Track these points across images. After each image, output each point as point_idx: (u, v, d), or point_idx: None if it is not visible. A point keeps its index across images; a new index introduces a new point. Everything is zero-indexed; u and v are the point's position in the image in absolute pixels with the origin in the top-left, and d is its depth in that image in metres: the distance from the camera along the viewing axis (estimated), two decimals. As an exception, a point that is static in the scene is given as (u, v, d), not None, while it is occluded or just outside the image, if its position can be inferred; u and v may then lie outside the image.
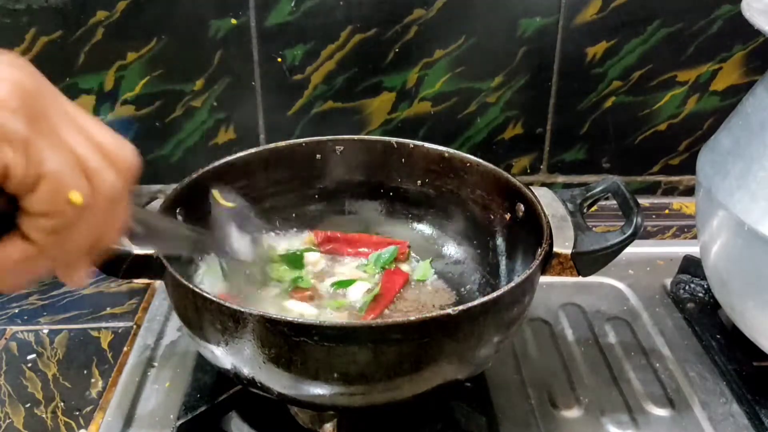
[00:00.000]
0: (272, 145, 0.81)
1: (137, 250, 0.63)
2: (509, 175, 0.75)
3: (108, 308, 0.84)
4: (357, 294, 0.76)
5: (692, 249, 0.87)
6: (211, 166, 0.75)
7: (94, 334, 0.80)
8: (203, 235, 0.65)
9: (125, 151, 0.41)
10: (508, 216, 0.75)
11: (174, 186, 0.71)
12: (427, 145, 0.81)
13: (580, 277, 0.67)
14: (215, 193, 0.69)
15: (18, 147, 0.34)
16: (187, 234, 0.62)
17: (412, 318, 0.55)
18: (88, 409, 0.71)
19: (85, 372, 0.75)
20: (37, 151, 0.35)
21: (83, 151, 0.37)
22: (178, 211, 0.70)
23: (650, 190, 1.03)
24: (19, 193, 0.35)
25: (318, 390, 0.58)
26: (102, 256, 0.43)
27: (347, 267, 0.81)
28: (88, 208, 0.37)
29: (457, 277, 0.80)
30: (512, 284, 0.59)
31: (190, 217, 0.69)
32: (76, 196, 0.36)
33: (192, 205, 0.70)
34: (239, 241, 0.67)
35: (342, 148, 0.82)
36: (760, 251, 0.65)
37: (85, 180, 0.37)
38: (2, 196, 0.36)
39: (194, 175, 0.72)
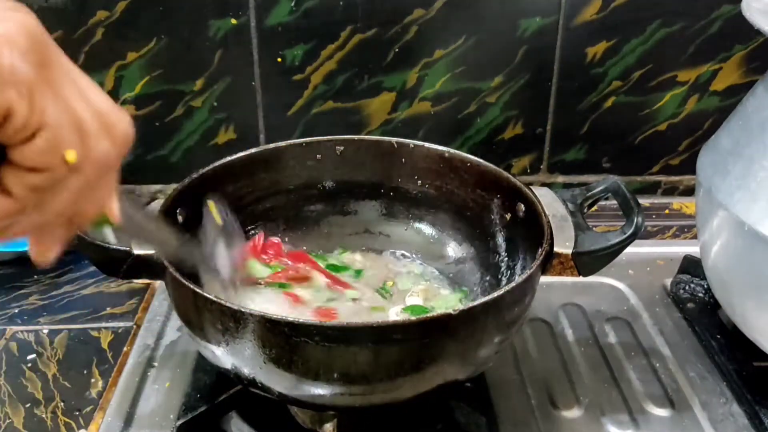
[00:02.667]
0: (272, 145, 0.81)
1: (137, 251, 0.63)
2: (509, 175, 0.75)
3: (108, 308, 0.84)
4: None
5: (692, 249, 0.87)
6: (211, 166, 0.75)
7: (94, 334, 0.80)
8: (189, 246, 0.62)
9: (122, 121, 0.39)
10: (508, 216, 0.75)
11: (174, 186, 0.71)
12: (427, 145, 0.81)
13: (581, 277, 0.67)
14: (211, 204, 0.67)
15: (23, 90, 0.32)
16: (171, 240, 0.59)
17: (413, 318, 0.55)
18: (88, 409, 0.71)
19: (85, 372, 0.75)
20: (41, 99, 0.33)
21: (81, 112, 0.36)
22: (178, 211, 0.70)
23: (650, 190, 1.03)
24: (12, 142, 0.33)
25: (318, 390, 0.58)
26: (73, 237, 0.41)
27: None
28: (78, 170, 0.35)
29: (457, 277, 0.80)
30: (513, 284, 0.59)
31: (191, 219, 0.69)
32: (71, 155, 0.34)
33: (192, 206, 0.70)
34: (223, 259, 0.65)
35: (342, 148, 0.82)
36: (760, 251, 0.65)
37: (80, 141, 0.35)
38: None
39: (194, 176, 0.72)
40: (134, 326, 0.82)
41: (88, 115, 0.36)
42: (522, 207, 0.72)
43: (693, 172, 0.76)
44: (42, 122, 0.33)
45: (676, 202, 1.02)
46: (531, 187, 0.73)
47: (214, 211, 0.67)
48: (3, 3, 0.34)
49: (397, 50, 0.92)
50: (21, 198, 0.34)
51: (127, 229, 0.48)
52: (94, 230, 0.55)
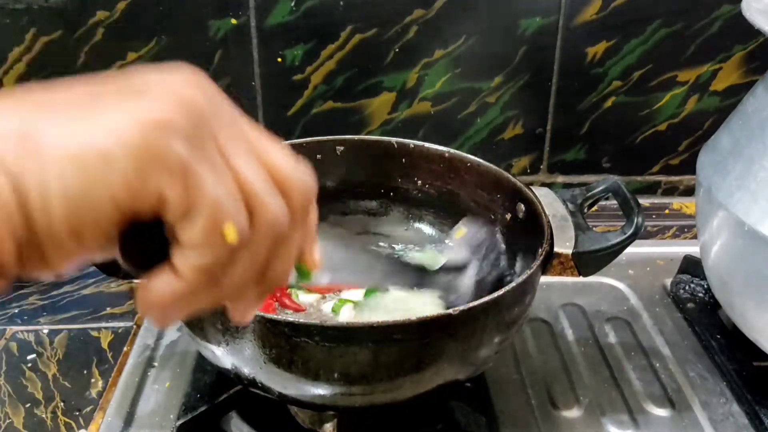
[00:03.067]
0: (272, 145, 0.80)
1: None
2: (509, 175, 0.75)
3: (108, 308, 0.84)
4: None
5: (692, 249, 0.87)
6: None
7: (94, 334, 0.80)
8: None
9: (300, 175, 0.35)
10: (508, 216, 0.75)
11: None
12: (427, 145, 0.81)
13: (581, 277, 0.67)
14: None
15: (176, 173, 0.30)
16: None
17: (413, 318, 0.55)
18: (88, 409, 0.71)
19: (85, 372, 0.75)
20: (196, 178, 0.30)
21: (251, 175, 0.32)
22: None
23: (650, 190, 1.03)
24: (173, 222, 0.31)
25: (319, 390, 0.58)
26: (275, 291, 0.39)
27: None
28: (246, 244, 0.32)
29: (457, 277, 0.80)
30: (513, 284, 0.59)
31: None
32: (231, 232, 0.31)
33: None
34: None
35: (342, 148, 0.82)
36: (760, 251, 0.65)
37: (245, 211, 0.32)
38: (154, 228, 0.32)
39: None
40: (134, 326, 0.82)
41: (257, 176, 0.33)
42: (522, 207, 0.72)
43: (693, 172, 0.76)
44: (197, 203, 0.30)
45: (676, 202, 1.02)
46: (531, 187, 0.73)
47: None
48: (178, 80, 0.32)
49: (397, 50, 0.92)
50: (189, 278, 0.32)
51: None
52: (300, 282, 0.52)
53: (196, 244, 0.31)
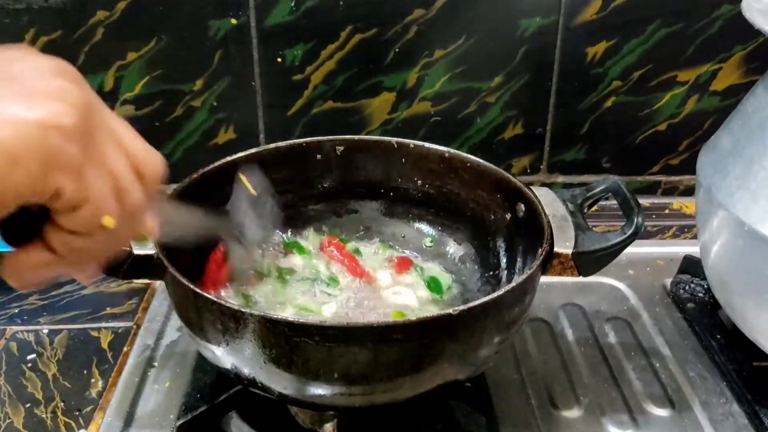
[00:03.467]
0: (272, 145, 0.81)
1: (138, 251, 0.63)
2: (510, 175, 0.75)
3: (108, 308, 0.84)
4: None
5: (692, 249, 0.87)
6: (211, 166, 0.75)
7: (94, 334, 0.80)
8: (218, 220, 0.66)
9: (154, 162, 0.41)
10: (508, 216, 0.75)
11: (174, 186, 0.71)
12: (427, 145, 0.81)
13: (581, 277, 0.67)
14: (243, 178, 0.70)
15: (72, 172, 0.34)
16: (204, 221, 0.63)
17: (413, 318, 0.55)
18: (88, 409, 0.71)
19: (85, 372, 0.75)
20: (86, 177, 0.35)
21: (120, 169, 0.38)
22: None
23: (650, 190, 1.03)
24: (58, 211, 0.36)
25: (319, 390, 0.58)
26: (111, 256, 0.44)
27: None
28: (114, 228, 0.38)
29: (457, 276, 0.80)
30: (513, 284, 0.59)
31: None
32: (109, 220, 0.37)
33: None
34: (253, 230, 0.69)
35: (342, 148, 0.82)
36: (760, 251, 0.65)
37: (117, 202, 0.38)
38: (29, 209, 0.36)
39: (194, 176, 0.72)
40: (134, 326, 0.82)
41: (125, 172, 0.38)
42: (522, 207, 0.72)
43: (693, 172, 0.76)
44: (86, 197, 0.35)
45: (676, 202, 1.02)
46: (531, 187, 0.73)
47: (247, 183, 0.70)
48: (46, 66, 0.36)
49: (397, 50, 0.92)
50: (63, 254, 0.37)
51: (164, 233, 0.51)
52: (137, 244, 0.60)
53: (78, 230, 0.36)
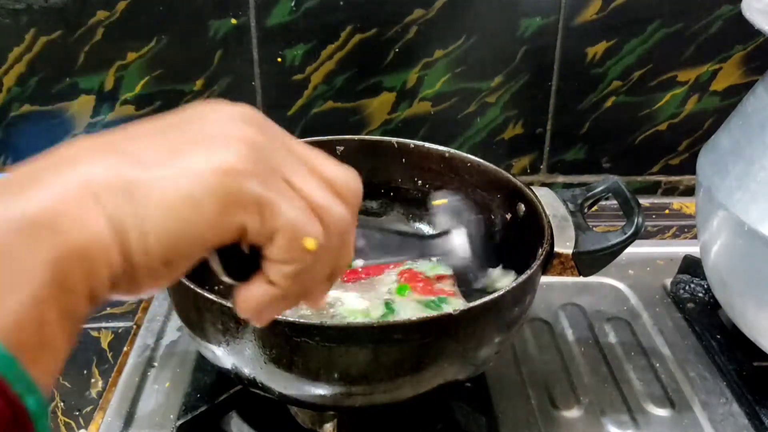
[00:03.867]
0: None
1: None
2: (510, 175, 0.75)
3: (108, 308, 0.84)
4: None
5: (692, 249, 0.87)
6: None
7: (94, 334, 0.80)
8: None
9: (350, 179, 0.42)
10: (508, 216, 0.75)
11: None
12: (427, 145, 0.81)
13: (581, 277, 0.67)
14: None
15: (253, 209, 0.35)
16: None
17: (413, 318, 0.55)
18: (88, 409, 0.71)
19: (85, 372, 0.75)
20: (270, 208, 0.35)
21: (313, 192, 0.38)
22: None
23: (650, 190, 1.03)
24: (260, 244, 0.36)
25: (319, 390, 0.58)
26: (341, 276, 0.44)
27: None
28: (323, 247, 0.38)
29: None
30: (513, 284, 0.59)
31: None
32: (311, 242, 0.37)
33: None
34: None
35: (342, 148, 0.82)
36: (760, 251, 0.65)
37: (317, 222, 0.38)
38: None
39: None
40: (134, 326, 0.82)
41: (319, 191, 0.38)
42: (522, 207, 0.72)
43: (693, 172, 0.76)
44: (275, 227, 0.36)
45: (676, 202, 1.02)
46: (531, 187, 0.73)
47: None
48: (230, 115, 0.37)
49: (397, 50, 0.92)
50: (282, 285, 0.38)
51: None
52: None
53: (283, 259, 0.37)
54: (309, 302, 0.43)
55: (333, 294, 0.73)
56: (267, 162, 0.36)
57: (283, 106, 0.95)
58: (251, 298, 0.39)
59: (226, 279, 0.39)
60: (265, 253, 0.37)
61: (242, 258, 0.38)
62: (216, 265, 0.38)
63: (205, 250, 0.35)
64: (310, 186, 0.38)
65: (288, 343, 0.55)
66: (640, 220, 0.66)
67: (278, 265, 0.37)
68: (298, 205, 0.37)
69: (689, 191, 1.02)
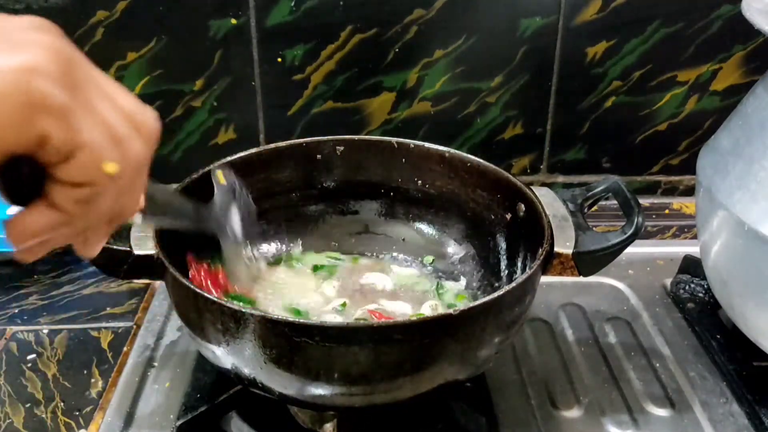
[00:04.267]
0: (272, 145, 0.81)
1: (138, 251, 0.63)
2: (510, 175, 0.75)
3: (108, 308, 0.84)
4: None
5: (692, 249, 0.87)
6: (211, 166, 0.74)
7: (94, 334, 0.80)
8: (207, 213, 0.66)
9: (149, 118, 0.40)
10: (508, 216, 0.75)
11: (174, 186, 0.71)
12: (427, 145, 0.81)
13: (581, 277, 0.67)
14: (219, 173, 0.70)
15: (58, 116, 0.33)
16: (192, 208, 0.63)
17: (413, 318, 0.55)
18: (88, 409, 0.71)
19: (85, 372, 0.75)
20: (75, 120, 0.34)
21: (114, 120, 0.37)
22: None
23: (650, 190, 1.03)
24: (52, 162, 0.34)
25: (319, 390, 0.58)
26: (119, 227, 0.42)
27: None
28: (118, 178, 0.37)
29: (457, 276, 0.80)
30: (513, 284, 0.59)
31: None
32: (111, 166, 0.36)
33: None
34: (236, 223, 0.69)
35: (342, 148, 0.82)
36: (760, 251, 0.65)
37: (117, 149, 0.36)
38: (28, 163, 0.35)
39: (194, 176, 0.72)
40: (134, 326, 0.82)
41: (119, 122, 0.37)
42: (522, 207, 0.72)
43: (693, 172, 0.76)
44: (78, 142, 0.34)
45: (676, 202, 1.02)
46: (531, 187, 0.73)
47: (221, 176, 0.70)
48: (27, 22, 0.36)
49: (397, 50, 0.92)
50: (68, 211, 0.36)
51: (152, 211, 0.51)
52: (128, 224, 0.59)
53: (77, 179, 0.35)
54: (83, 244, 0.41)
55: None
56: (72, 73, 0.35)
57: (283, 106, 0.95)
58: (30, 223, 0.36)
59: (6, 201, 0.36)
60: (56, 173, 0.35)
61: (21, 182, 0.35)
62: None
63: (1, 156, 0.33)
64: (112, 114, 0.37)
65: (288, 343, 0.55)
66: (640, 220, 0.66)
67: (70, 188, 0.35)
68: (103, 125, 0.36)
69: (689, 191, 1.02)
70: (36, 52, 0.33)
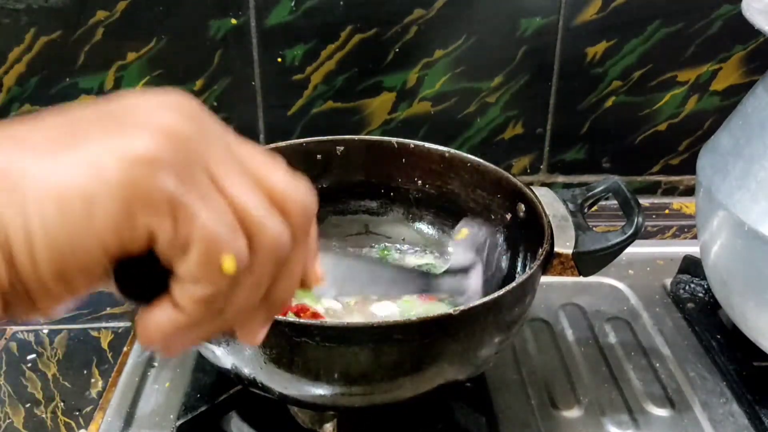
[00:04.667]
0: (272, 145, 0.80)
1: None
2: (510, 175, 0.75)
3: (108, 308, 0.84)
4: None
5: (692, 249, 0.87)
6: None
7: (94, 334, 0.80)
8: None
9: (299, 192, 0.33)
10: (508, 216, 0.75)
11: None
12: (427, 145, 0.81)
13: (581, 277, 0.67)
14: None
15: (163, 210, 0.28)
16: None
17: (413, 318, 0.55)
18: (88, 409, 0.71)
19: (85, 372, 0.75)
20: (185, 211, 0.29)
21: (246, 199, 0.31)
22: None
23: (650, 190, 1.03)
24: (169, 256, 0.30)
25: (319, 390, 0.58)
26: (283, 310, 0.37)
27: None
28: (247, 271, 0.31)
29: (457, 277, 0.80)
30: (513, 284, 0.59)
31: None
32: (229, 262, 0.30)
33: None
34: None
35: (342, 148, 0.82)
36: (760, 251, 0.65)
37: (242, 238, 0.31)
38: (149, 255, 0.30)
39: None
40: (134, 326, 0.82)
41: (254, 199, 0.31)
42: (522, 207, 0.72)
43: (693, 172, 0.76)
44: (189, 237, 0.29)
45: (676, 202, 1.02)
46: (531, 187, 0.73)
47: None
48: (157, 102, 0.31)
49: (397, 50, 0.92)
50: (189, 310, 0.31)
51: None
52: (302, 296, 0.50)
53: (193, 278, 0.30)
54: (240, 336, 0.35)
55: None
56: (190, 155, 0.29)
57: (283, 106, 0.95)
58: (153, 324, 0.32)
59: (124, 298, 0.32)
60: (174, 267, 0.30)
61: (146, 278, 0.31)
62: (112, 282, 0.31)
63: (106, 260, 0.29)
64: (243, 191, 0.31)
65: (288, 343, 0.55)
66: (640, 220, 0.66)
67: (187, 285, 0.30)
68: (222, 212, 0.30)
69: (689, 191, 1.02)
70: (143, 139, 0.28)
